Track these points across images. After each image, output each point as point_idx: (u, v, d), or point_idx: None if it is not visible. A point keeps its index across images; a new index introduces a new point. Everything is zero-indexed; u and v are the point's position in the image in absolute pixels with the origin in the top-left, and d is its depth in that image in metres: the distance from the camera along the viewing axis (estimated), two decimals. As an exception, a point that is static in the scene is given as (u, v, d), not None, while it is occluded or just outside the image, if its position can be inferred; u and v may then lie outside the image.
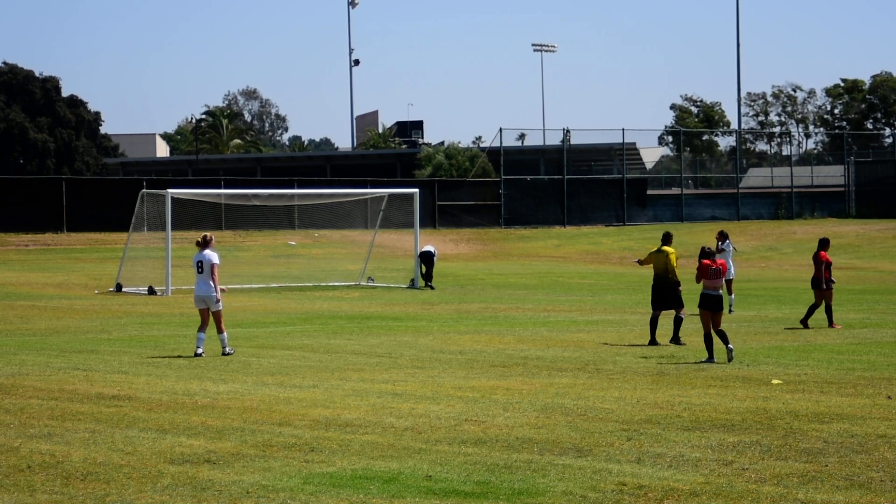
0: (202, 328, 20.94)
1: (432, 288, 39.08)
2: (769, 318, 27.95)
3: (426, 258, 39.84)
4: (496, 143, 75.47)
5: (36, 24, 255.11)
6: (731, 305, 29.75)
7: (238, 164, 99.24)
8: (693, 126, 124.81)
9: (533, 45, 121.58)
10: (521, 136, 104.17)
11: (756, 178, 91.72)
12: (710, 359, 19.64)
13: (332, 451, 12.26)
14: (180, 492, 10.61)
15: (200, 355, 20.45)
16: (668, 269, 22.79)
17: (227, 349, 20.75)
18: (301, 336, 24.32)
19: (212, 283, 20.85)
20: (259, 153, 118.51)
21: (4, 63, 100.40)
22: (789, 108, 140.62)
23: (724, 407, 14.93)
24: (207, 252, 21.03)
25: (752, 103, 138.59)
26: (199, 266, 21.05)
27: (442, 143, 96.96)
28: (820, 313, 25.99)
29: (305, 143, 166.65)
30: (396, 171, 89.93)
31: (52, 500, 10.36)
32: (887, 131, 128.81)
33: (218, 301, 20.89)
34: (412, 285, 40.14)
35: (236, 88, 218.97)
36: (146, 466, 11.60)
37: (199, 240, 21.29)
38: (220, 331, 20.84)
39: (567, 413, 14.52)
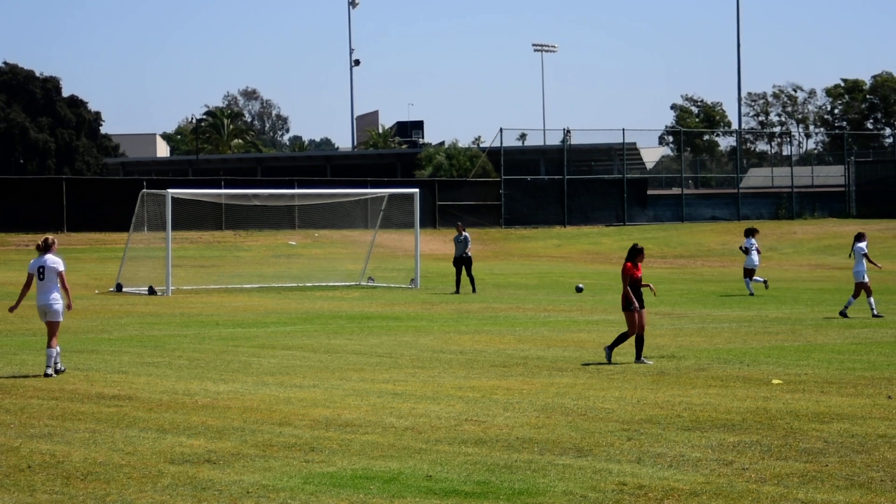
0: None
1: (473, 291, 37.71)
2: (769, 318, 27.95)
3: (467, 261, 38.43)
4: (496, 143, 75.54)
5: (36, 24, 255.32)
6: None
7: (238, 164, 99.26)
8: (693, 126, 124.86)
9: (533, 45, 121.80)
10: (522, 136, 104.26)
11: (756, 178, 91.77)
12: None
13: (333, 451, 12.26)
14: (180, 492, 10.62)
15: (61, 370, 18.41)
16: None
17: (49, 370, 18.11)
18: (301, 336, 24.32)
19: (56, 292, 18.56)
20: (259, 153, 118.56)
21: (5, 63, 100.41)
22: (790, 108, 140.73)
23: (724, 407, 14.93)
24: (49, 257, 18.64)
25: (753, 103, 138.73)
26: (41, 273, 18.57)
27: (442, 143, 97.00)
28: None
29: (306, 143, 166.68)
30: (397, 171, 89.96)
31: (52, 500, 10.36)
32: (888, 131, 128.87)
33: (68, 307, 18.77)
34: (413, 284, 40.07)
35: (236, 88, 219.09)
36: (146, 466, 11.61)
37: (40, 243, 18.84)
38: (49, 345, 18.27)
39: (567, 413, 14.52)
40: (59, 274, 18.63)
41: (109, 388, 16.87)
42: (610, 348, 19.79)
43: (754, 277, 36.79)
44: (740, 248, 38.28)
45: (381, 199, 46.26)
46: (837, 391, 16.24)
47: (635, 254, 19.92)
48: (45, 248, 18.75)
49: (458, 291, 37.47)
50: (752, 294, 35.77)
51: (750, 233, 38.01)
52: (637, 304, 19.70)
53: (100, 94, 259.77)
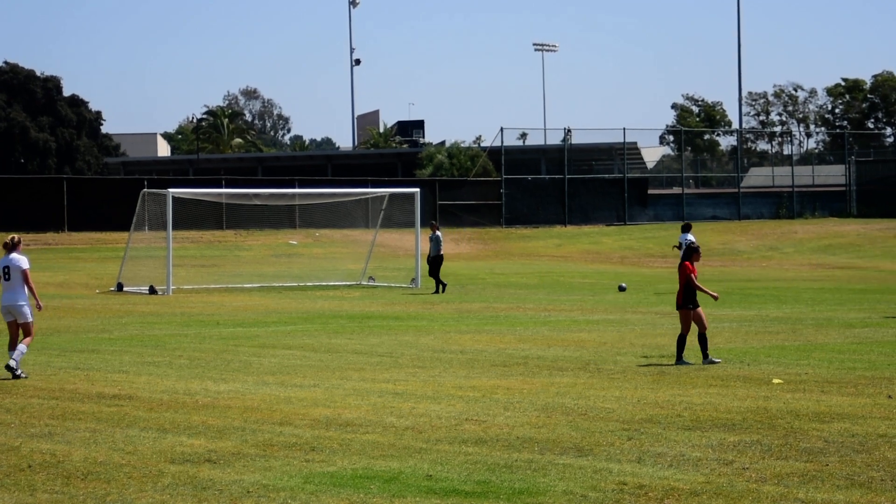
0: (13, 345, 18.09)
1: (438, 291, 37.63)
2: (770, 318, 27.95)
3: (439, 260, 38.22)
4: (497, 143, 75.52)
5: (37, 23, 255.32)
6: None
7: (239, 164, 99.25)
8: (694, 125, 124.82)
9: (534, 44, 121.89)
10: (523, 136, 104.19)
11: (757, 177, 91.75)
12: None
13: (333, 451, 12.26)
14: (181, 491, 10.62)
15: (21, 376, 17.73)
16: None
17: (16, 368, 17.72)
18: (302, 335, 24.32)
19: (23, 291, 18.08)
20: (260, 152, 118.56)
21: (5, 62, 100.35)
22: (790, 108, 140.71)
23: (724, 406, 14.93)
24: (15, 256, 18.22)
25: (754, 102, 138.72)
26: (6, 272, 18.15)
27: (443, 142, 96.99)
28: None
29: (306, 143, 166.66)
30: (397, 170, 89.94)
31: (52, 500, 10.37)
32: (888, 131, 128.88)
33: (37, 307, 18.19)
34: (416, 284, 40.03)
35: (237, 88, 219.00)
36: (147, 466, 11.61)
37: (7, 241, 18.42)
38: (21, 341, 17.98)
39: (568, 412, 14.52)
40: (23, 272, 18.11)
41: (110, 387, 16.87)
42: (678, 356, 19.23)
43: None
44: (675, 247, 38.93)
45: (382, 198, 46.26)
46: (838, 391, 16.24)
47: (691, 252, 19.74)
48: (12, 246, 18.34)
49: (437, 291, 37.41)
50: None
51: (685, 228, 38.88)
52: (693, 303, 19.35)
53: (100, 93, 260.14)
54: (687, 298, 19.43)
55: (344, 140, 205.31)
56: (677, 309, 19.64)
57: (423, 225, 42.99)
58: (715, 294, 20.20)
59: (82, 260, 51.70)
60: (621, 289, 37.09)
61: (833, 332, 24.56)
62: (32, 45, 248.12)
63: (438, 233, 38.85)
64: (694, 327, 19.46)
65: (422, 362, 19.65)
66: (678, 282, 19.67)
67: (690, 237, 38.42)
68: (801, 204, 78.87)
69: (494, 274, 47.44)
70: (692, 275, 19.45)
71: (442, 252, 38.40)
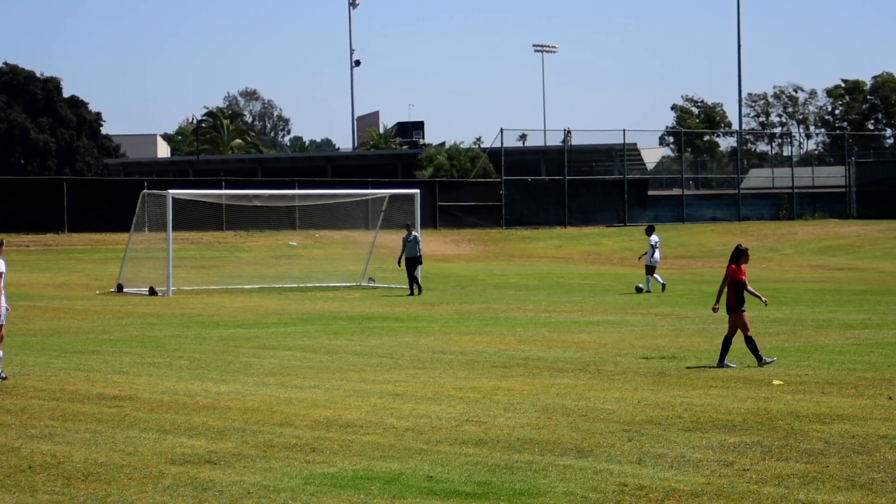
0: None
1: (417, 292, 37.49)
2: (770, 319, 27.93)
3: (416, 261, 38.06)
4: (497, 144, 75.56)
5: (37, 24, 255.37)
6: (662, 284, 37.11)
7: (239, 165, 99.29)
8: (694, 127, 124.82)
9: (534, 45, 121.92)
10: (522, 137, 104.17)
11: (757, 178, 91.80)
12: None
13: (334, 452, 12.26)
14: (181, 492, 10.62)
15: (3, 378, 17.52)
16: None
17: None
18: (302, 337, 24.32)
19: None
20: (260, 154, 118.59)
21: (5, 63, 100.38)
22: (790, 109, 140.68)
23: (725, 408, 14.93)
24: None
25: (753, 104, 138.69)
26: None
27: (443, 143, 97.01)
28: None
29: (306, 144, 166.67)
30: (397, 171, 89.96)
31: (53, 501, 10.37)
32: (888, 132, 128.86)
33: (6, 310, 17.70)
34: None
35: (236, 89, 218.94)
36: (147, 467, 11.61)
37: None
38: None
39: (568, 414, 14.52)
40: None
41: (110, 388, 16.87)
42: (757, 357, 19.10)
43: (655, 276, 37.58)
44: (650, 252, 38.60)
45: (382, 199, 46.26)
46: (838, 392, 16.24)
47: (739, 255, 19.36)
48: None
49: (412, 293, 37.34)
50: (648, 291, 36.92)
51: (650, 231, 39.31)
52: (730, 306, 19.23)
53: (100, 94, 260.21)
54: (739, 301, 19.28)
55: (344, 141, 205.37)
56: (729, 314, 19.36)
57: (423, 226, 42.96)
58: (717, 306, 20.06)
59: (82, 261, 51.72)
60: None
61: (833, 333, 24.55)
62: (32, 45, 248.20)
63: (416, 233, 38.73)
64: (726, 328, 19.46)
65: (422, 363, 19.65)
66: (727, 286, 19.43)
67: (655, 237, 38.69)
68: (801, 205, 78.90)
69: (494, 275, 47.45)
70: (733, 276, 19.21)
71: (419, 254, 38.24)
